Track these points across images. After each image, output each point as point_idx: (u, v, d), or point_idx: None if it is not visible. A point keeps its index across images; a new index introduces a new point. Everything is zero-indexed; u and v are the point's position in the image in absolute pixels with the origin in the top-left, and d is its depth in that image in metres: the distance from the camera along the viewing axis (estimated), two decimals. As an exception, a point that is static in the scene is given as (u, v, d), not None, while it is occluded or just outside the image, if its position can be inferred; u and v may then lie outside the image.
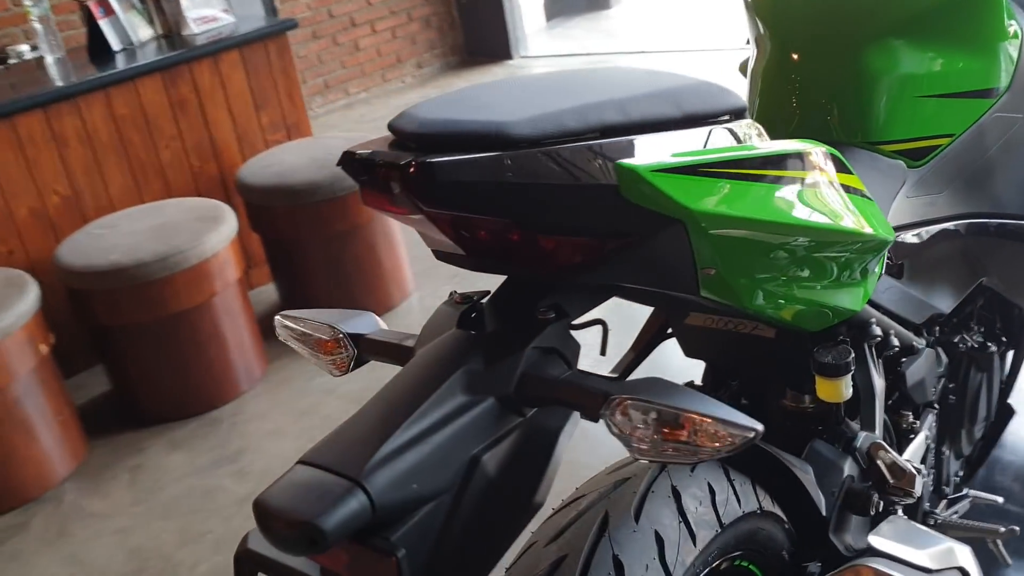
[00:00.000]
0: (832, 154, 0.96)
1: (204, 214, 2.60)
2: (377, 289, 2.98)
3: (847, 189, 0.95)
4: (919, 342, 1.16)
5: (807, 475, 0.98)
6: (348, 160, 0.82)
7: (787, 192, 0.88)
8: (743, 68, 1.50)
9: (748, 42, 1.50)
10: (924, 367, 1.17)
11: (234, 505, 2.20)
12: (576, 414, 0.82)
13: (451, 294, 0.95)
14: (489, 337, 0.85)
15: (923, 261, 1.18)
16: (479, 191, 0.77)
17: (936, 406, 1.23)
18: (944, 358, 1.23)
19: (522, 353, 0.83)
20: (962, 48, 1.17)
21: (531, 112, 0.80)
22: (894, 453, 1.00)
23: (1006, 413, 1.47)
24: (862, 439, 1.02)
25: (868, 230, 0.94)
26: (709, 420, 0.72)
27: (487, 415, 0.79)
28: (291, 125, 3.32)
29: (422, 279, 3.20)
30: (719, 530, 0.88)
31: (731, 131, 0.91)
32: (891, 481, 0.98)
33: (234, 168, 3.08)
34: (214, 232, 2.51)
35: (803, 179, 0.90)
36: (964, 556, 0.83)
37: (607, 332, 0.90)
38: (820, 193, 0.91)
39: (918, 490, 0.97)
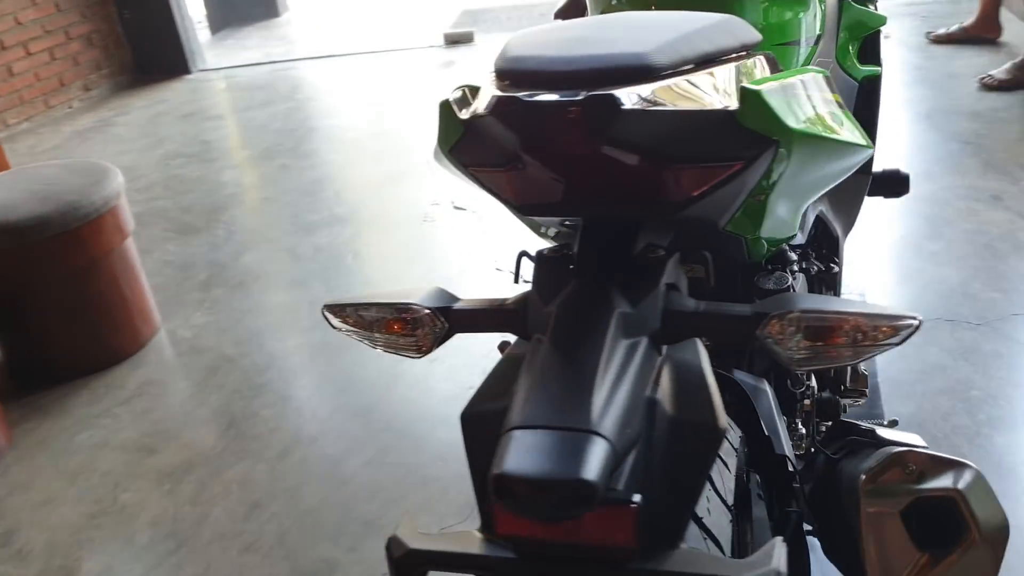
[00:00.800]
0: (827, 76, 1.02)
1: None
2: (124, 326, 2.71)
3: (840, 107, 1.02)
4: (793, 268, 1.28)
5: (765, 397, 1.05)
6: (511, 104, 0.77)
7: (832, 111, 0.93)
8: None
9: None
10: (803, 291, 1.28)
11: (26, 591, 1.91)
12: (697, 341, 0.82)
13: (521, 255, 0.91)
14: (623, 280, 0.83)
15: None
16: (644, 124, 0.76)
17: None
18: (805, 282, 1.36)
19: (658, 291, 0.82)
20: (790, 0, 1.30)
21: (649, 43, 0.79)
22: None
23: None
24: None
25: (868, 143, 1.01)
26: (867, 319, 0.76)
27: (647, 356, 0.78)
28: (-17, 159, 2.91)
29: (167, 309, 2.95)
30: (735, 453, 0.92)
31: (762, 59, 0.94)
32: (848, 385, 1.07)
33: (-78, 214, 2.64)
34: (-68, 286, 2.14)
35: (835, 100, 0.95)
36: (918, 439, 0.94)
37: (712, 264, 0.90)
38: (842, 113, 0.96)
39: (868, 389, 1.08)
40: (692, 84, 0.80)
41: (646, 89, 0.77)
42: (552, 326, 0.79)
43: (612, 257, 0.85)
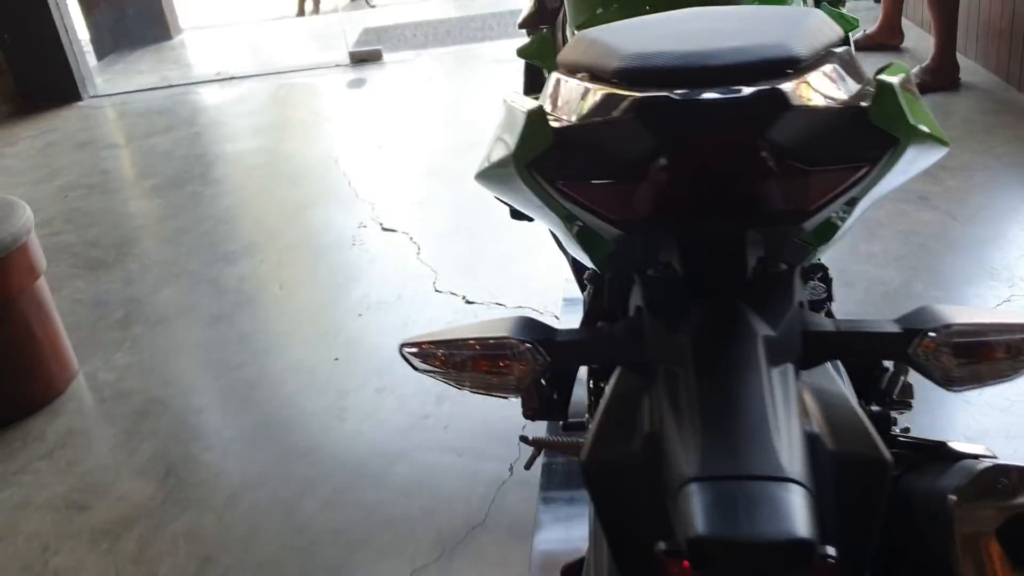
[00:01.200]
0: None
1: None
2: (39, 372, 2.50)
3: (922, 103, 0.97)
4: None
5: None
6: (660, 104, 0.69)
7: (924, 107, 0.87)
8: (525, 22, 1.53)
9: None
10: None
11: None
12: (827, 365, 0.75)
13: (598, 279, 0.81)
14: (755, 299, 0.74)
15: None
16: (797, 123, 0.69)
17: None
18: None
19: (794, 310, 0.75)
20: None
21: (782, 36, 0.72)
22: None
23: None
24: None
25: (948, 140, 0.97)
26: None
27: (795, 385, 0.70)
28: None
29: (84, 351, 2.74)
30: None
31: (850, 54, 0.88)
32: (896, 396, 1.02)
33: None
34: None
35: (918, 95, 0.90)
36: (984, 448, 0.90)
37: (829, 277, 0.82)
38: (926, 108, 0.92)
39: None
40: (819, 80, 0.74)
41: (791, 85, 0.70)
42: (693, 356, 0.71)
43: (733, 274, 0.78)
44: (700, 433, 0.64)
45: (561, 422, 1.37)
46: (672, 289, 0.78)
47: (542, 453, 1.38)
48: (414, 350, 0.83)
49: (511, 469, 2.02)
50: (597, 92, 0.74)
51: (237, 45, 6.61)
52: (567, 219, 0.83)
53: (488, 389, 0.82)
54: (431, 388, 2.34)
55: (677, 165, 0.71)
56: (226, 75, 5.68)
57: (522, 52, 1.55)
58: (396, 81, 5.13)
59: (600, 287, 1.04)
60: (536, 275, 2.83)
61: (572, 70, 0.83)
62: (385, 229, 3.32)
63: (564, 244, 0.99)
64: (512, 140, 0.79)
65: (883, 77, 0.75)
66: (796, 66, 0.71)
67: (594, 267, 1.01)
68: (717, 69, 0.70)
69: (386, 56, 5.51)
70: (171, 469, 2.20)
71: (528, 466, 1.35)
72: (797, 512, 0.58)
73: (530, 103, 0.80)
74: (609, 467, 0.70)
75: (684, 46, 0.72)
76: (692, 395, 0.68)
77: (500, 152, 0.82)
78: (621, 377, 0.78)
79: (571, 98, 0.79)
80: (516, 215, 1.88)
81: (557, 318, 2.53)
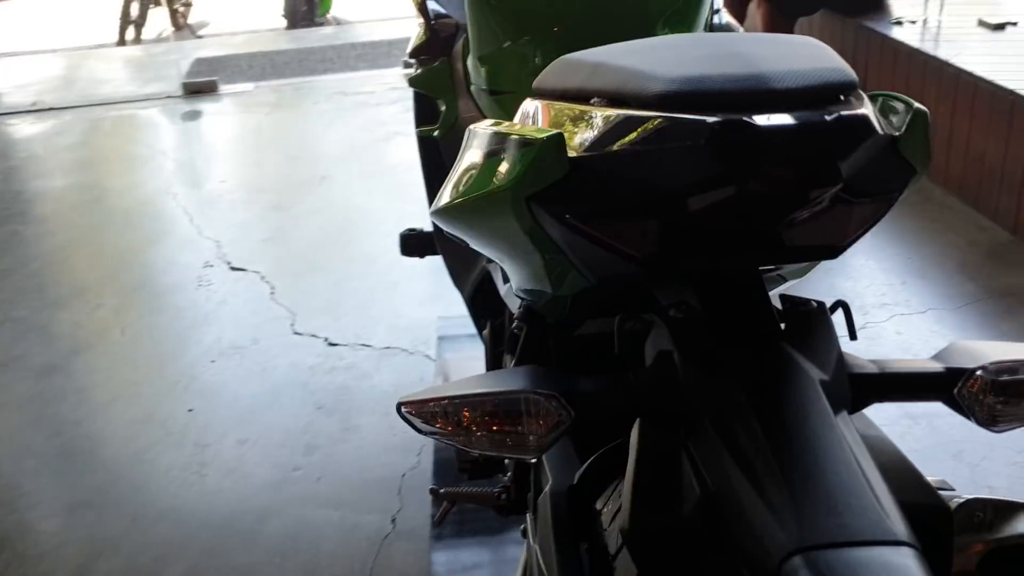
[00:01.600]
0: None
1: None
2: None
3: None
4: None
5: None
6: (735, 129, 0.63)
7: None
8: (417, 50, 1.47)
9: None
10: None
11: None
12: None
13: (535, 318, 0.74)
14: (797, 341, 0.69)
15: None
16: (867, 147, 0.67)
17: None
18: None
19: (836, 352, 0.70)
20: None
21: (826, 59, 0.68)
22: None
23: None
24: None
25: None
26: None
27: (857, 433, 0.64)
28: None
29: None
30: None
31: None
32: None
33: None
34: None
35: None
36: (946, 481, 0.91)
37: (851, 313, 0.77)
38: None
39: None
40: (867, 106, 0.71)
41: (864, 110, 0.67)
42: (752, 405, 0.65)
43: (765, 314, 0.73)
44: (789, 494, 0.58)
45: (466, 473, 1.29)
46: (706, 332, 0.72)
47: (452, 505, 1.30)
48: (416, 410, 0.73)
49: (393, 521, 1.92)
50: (633, 118, 0.67)
51: (54, 73, 6.16)
52: (547, 256, 0.77)
53: (502, 450, 0.73)
54: (299, 437, 2.21)
55: (739, 195, 0.66)
56: (43, 105, 5.28)
57: (414, 82, 1.48)
58: (234, 113, 4.92)
59: (536, 326, 0.98)
60: (402, 313, 2.73)
61: (570, 96, 0.76)
62: (233, 268, 3.13)
63: (522, 282, 0.91)
64: (510, 170, 0.71)
65: (918, 106, 0.73)
66: (850, 91, 0.68)
67: (534, 307, 0.95)
68: (778, 92, 0.65)
69: (222, 87, 5.28)
70: (3, 542, 1.96)
71: (439, 521, 1.26)
72: None
73: (536, 130, 0.73)
74: (653, 541, 0.64)
75: (732, 69, 0.67)
76: (761, 449, 0.62)
77: (480, 183, 0.75)
78: (646, 431, 0.71)
79: (581, 125, 0.72)
80: (408, 252, 1.79)
81: (430, 358, 2.45)
